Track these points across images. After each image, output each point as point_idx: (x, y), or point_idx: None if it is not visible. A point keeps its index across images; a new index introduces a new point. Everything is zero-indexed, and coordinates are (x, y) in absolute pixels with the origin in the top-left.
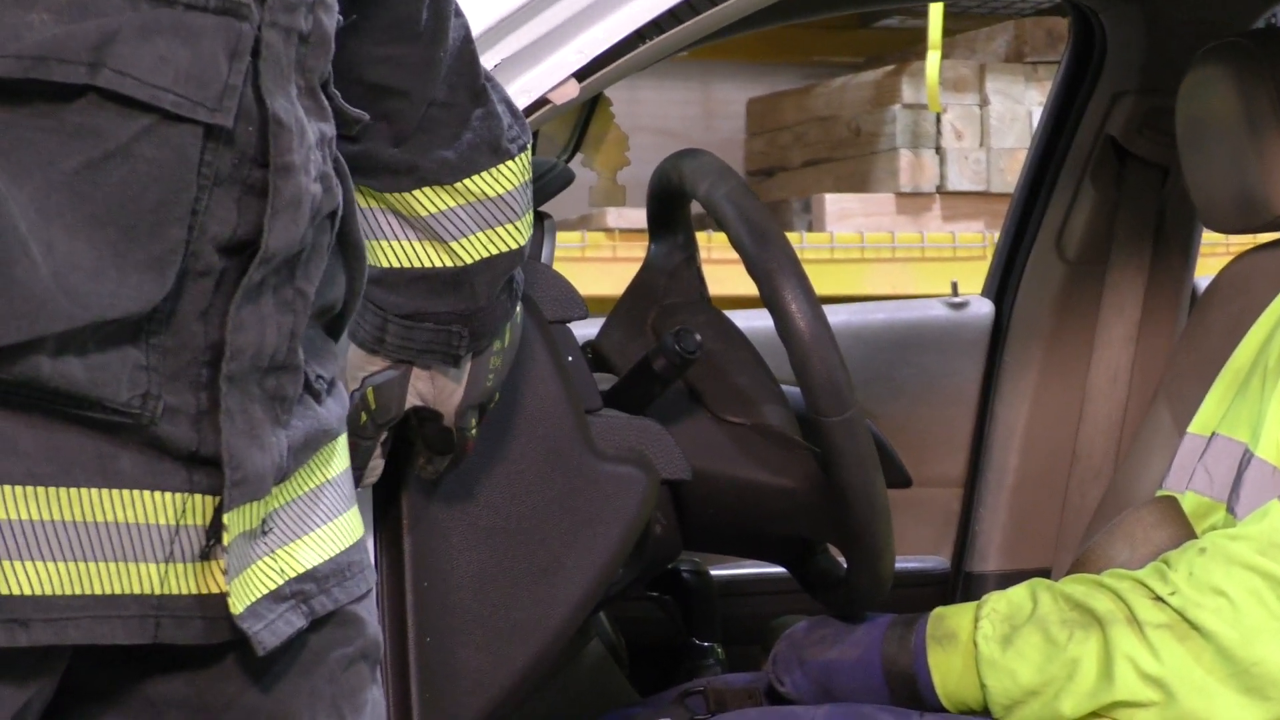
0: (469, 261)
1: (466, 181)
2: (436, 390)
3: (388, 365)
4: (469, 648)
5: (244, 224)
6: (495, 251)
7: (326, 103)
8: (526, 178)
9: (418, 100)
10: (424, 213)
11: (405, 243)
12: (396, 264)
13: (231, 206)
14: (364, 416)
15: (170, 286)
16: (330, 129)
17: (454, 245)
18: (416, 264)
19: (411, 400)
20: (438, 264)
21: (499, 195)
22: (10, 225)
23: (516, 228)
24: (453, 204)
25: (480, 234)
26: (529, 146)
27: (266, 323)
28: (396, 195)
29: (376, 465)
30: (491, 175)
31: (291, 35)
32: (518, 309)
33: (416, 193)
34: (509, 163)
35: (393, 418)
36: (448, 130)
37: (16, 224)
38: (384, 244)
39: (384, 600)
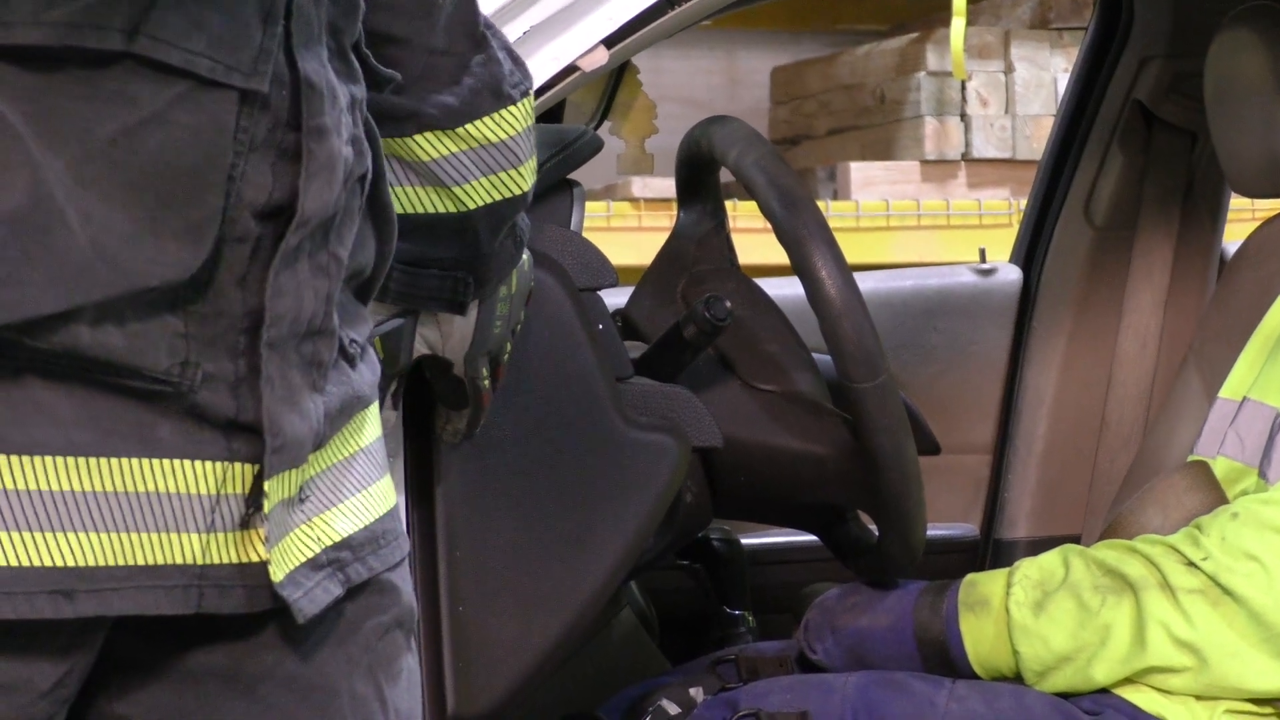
0: (472, 207)
1: (469, 126)
2: (444, 338)
3: (394, 314)
4: (501, 617)
5: (279, 188)
6: (499, 197)
7: (357, 64)
8: (529, 123)
9: (418, 47)
10: (426, 158)
11: (408, 188)
12: (400, 210)
13: (267, 171)
14: None
15: (208, 253)
16: (361, 91)
17: (457, 190)
18: (420, 209)
19: (419, 349)
20: (441, 210)
21: (502, 140)
22: (47, 194)
23: (520, 173)
24: (455, 149)
25: (483, 179)
26: (530, 92)
27: (304, 288)
28: (399, 140)
29: (388, 416)
30: (494, 120)
31: None
32: (524, 256)
33: (419, 138)
34: (511, 108)
35: (401, 367)
36: (448, 76)
37: (53, 192)
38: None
39: (416, 569)
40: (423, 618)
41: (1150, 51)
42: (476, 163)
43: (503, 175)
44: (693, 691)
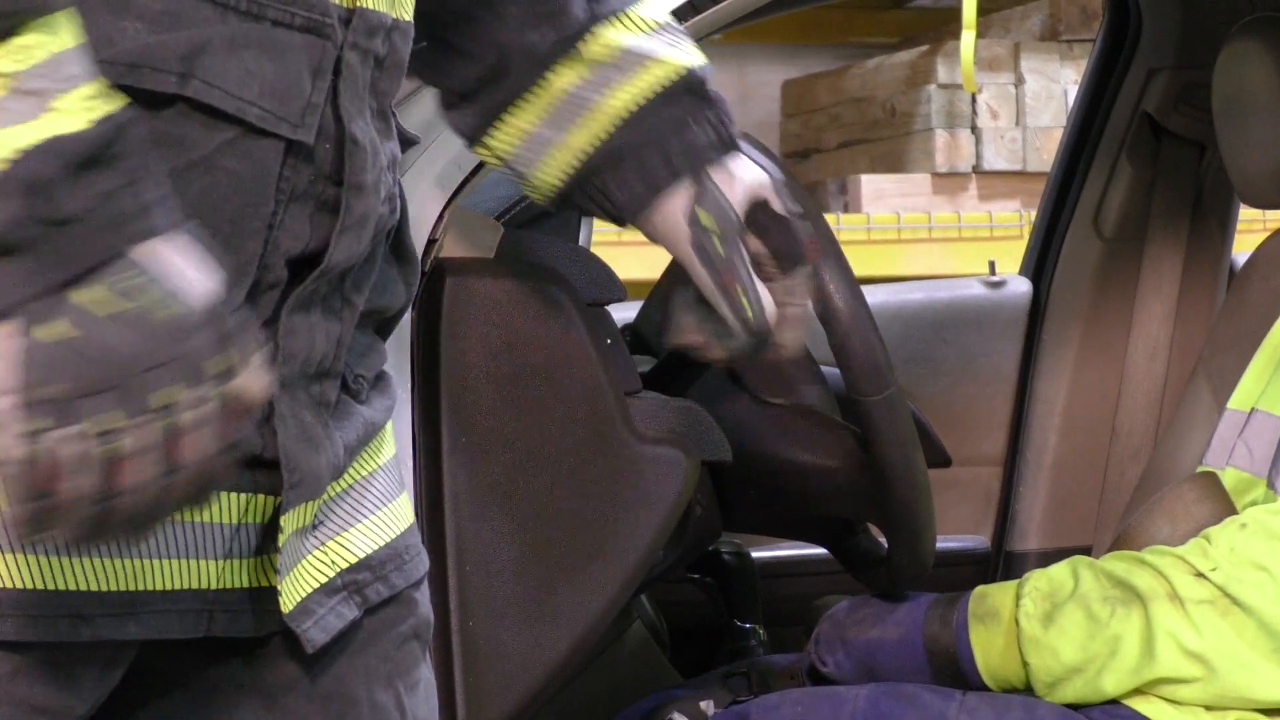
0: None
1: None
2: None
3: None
4: (511, 631)
5: (315, 239)
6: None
7: (395, 124)
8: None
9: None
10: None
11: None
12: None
13: (305, 222)
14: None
15: (243, 298)
16: (397, 150)
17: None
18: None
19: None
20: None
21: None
22: None
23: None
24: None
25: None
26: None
27: (315, 329)
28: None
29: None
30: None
31: (369, 58)
32: None
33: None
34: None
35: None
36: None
37: None
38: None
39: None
40: (433, 633)
41: (1158, 63)
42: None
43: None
44: (703, 704)
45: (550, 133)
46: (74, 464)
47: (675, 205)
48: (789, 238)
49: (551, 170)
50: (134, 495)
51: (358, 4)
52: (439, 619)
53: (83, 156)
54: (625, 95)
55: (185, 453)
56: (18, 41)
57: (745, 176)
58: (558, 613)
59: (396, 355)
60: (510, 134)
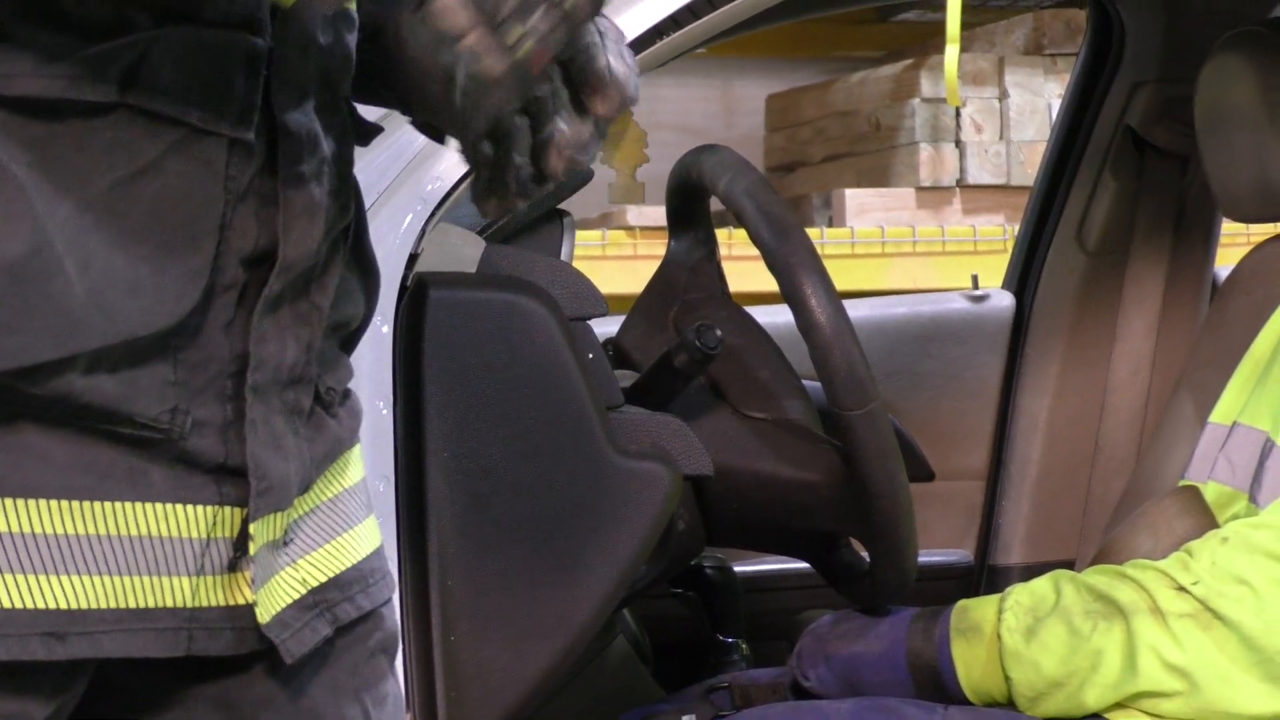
0: None
1: None
2: None
3: None
4: (494, 645)
5: (264, 235)
6: None
7: (348, 117)
8: None
9: None
10: None
11: None
12: None
13: (251, 218)
14: None
15: (198, 300)
16: (350, 146)
17: None
18: None
19: None
20: None
21: None
22: (47, 243)
23: None
24: None
25: None
26: None
27: (286, 334)
28: None
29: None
30: None
31: (310, 48)
32: None
33: None
34: None
35: None
36: None
37: (53, 241)
38: None
39: (408, 599)
40: (415, 648)
41: (1141, 77)
42: None
43: None
44: (686, 719)
45: None
46: (544, 44)
47: None
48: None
49: None
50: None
51: None
52: (422, 633)
53: None
54: None
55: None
56: None
57: None
58: (540, 627)
59: (378, 369)
60: None
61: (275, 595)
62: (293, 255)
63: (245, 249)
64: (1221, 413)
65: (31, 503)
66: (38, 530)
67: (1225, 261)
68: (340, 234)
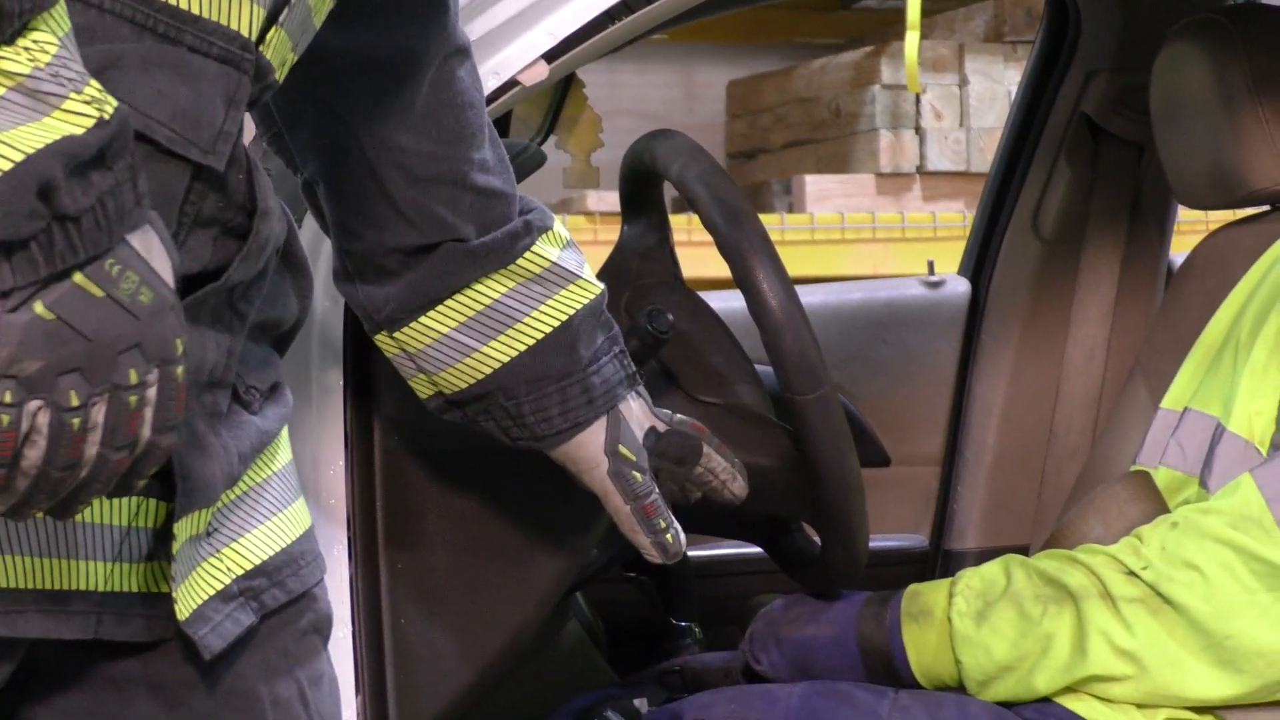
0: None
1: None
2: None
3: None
4: (444, 630)
5: (215, 260)
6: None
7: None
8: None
9: None
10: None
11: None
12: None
13: (208, 245)
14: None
15: None
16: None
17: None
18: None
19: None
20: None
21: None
22: None
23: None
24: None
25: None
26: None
27: (206, 340)
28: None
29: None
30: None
31: (269, 90)
32: None
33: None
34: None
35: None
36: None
37: None
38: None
39: (358, 582)
40: (365, 632)
41: (1097, 65)
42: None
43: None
44: (637, 702)
45: (470, 341)
46: (45, 433)
47: (594, 439)
48: (682, 443)
49: (461, 376)
50: (88, 468)
51: (259, 49)
52: (371, 618)
53: (90, 155)
54: (550, 313)
55: (148, 428)
56: (23, 42)
57: (637, 408)
58: (491, 611)
59: (327, 359)
60: (425, 334)
61: (196, 589)
62: (236, 278)
63: (192, 270)
64: (1173, 398)
65: None
66: None
67: (1185, 249)
68: (276, 249)
